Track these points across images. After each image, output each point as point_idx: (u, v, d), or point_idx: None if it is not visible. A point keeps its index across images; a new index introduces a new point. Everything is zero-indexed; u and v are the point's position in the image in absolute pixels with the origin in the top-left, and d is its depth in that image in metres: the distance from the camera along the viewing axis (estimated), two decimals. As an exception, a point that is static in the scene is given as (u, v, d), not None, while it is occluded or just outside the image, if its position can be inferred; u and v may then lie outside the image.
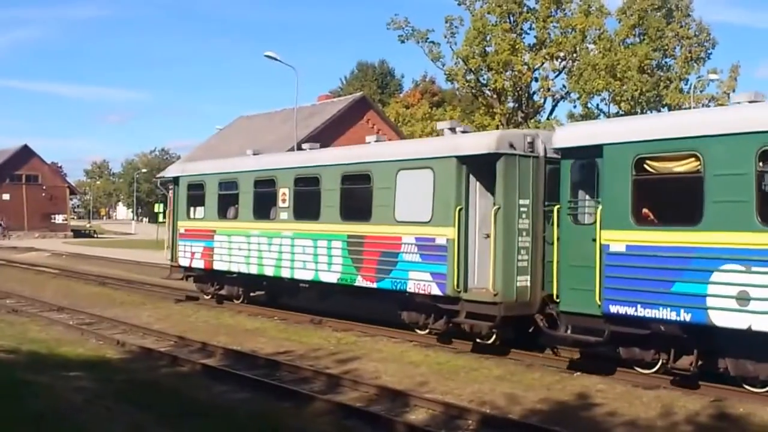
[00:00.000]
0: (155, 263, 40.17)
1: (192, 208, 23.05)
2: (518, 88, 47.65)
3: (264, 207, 19.98)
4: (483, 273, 14.73)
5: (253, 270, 20.14)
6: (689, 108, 42.19)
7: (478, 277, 14.92)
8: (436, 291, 15.00)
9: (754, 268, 10.56)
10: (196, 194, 22.75)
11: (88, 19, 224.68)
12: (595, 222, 12.56)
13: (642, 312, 11.82)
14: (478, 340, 15.05)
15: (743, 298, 10.62)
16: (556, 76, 48.56)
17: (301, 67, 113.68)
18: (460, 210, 14.67)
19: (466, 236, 14.79)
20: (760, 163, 10.74)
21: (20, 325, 18.57)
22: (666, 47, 48.70)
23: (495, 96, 48.49)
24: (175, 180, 23.94)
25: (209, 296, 23.00)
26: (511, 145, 14.15)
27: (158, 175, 62.56)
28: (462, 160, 14.78)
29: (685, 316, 11.29)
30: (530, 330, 14.80)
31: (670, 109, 47.28)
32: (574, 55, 46.64)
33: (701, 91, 49.32)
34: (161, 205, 61.14)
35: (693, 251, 11.26)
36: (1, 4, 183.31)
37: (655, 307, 11.62)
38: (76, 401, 11.17)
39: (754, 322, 10.51)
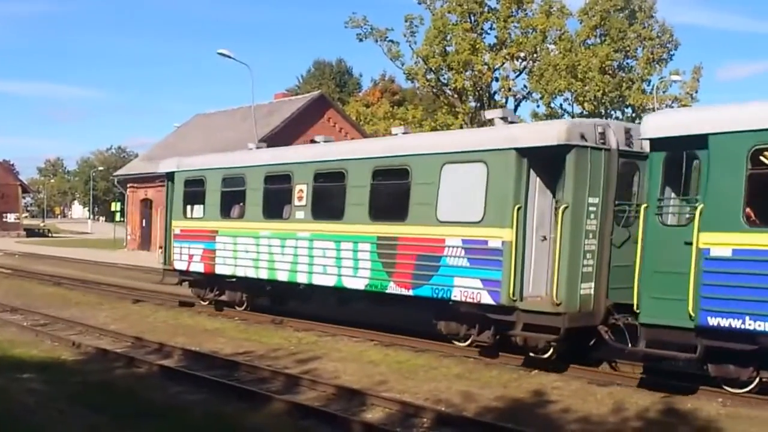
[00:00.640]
0: (112, 263, 39.82)
1: (189, 207, 21.34)
2: (479, 88, 47.87)
3: (276, 205, 18.28)
4: (539, 280, 13.48)
5: (263, 275, 18.39)
6: (653, 109, 42.78)
7: (533, 284, 13.50)
8: (487, 300, 13.42)
9: None
10: (194, 191, 21.00)
11: (40, 14, 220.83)
12: (691, 223, 11.03)
13: (752, 325, 10.27)
14: (531, 354, 13.51)
15: None
16: (517, 76, 48.94)
17: (258, 65, 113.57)
18: (518, 209, 13.07)
19: (523, 239, 13.26)
20: None
21: (-28, 327, 18.26)
22: (628, 48, 49.25)
23: (456, 95, 48.70)
24: (169, 176, 22.01)
25: (207, 302, 21.40)
26: (582, 136, 12.61)
27: (115, 173, 62.03)
28: (522, 152, 13.13)
29: None
30: (591, 343, 13.56)
31: (633, 110, 47.98)
32: (535, 55, 46.94)
33: (664, 92, 50.07)
34: (118, 204, 60.70)
35: None
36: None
37: None
38: (29, 404, 11.04)
39: None
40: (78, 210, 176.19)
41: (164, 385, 12.47)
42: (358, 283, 15.93)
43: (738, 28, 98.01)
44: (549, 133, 12.95)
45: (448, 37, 46.55)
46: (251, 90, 60.14)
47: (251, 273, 18.74)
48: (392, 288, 15.16)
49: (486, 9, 46.87)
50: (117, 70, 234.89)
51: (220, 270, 19.81)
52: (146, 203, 51.96)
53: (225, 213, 19.81)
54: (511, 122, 14.41)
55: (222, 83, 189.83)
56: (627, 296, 11.97)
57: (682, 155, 11.34)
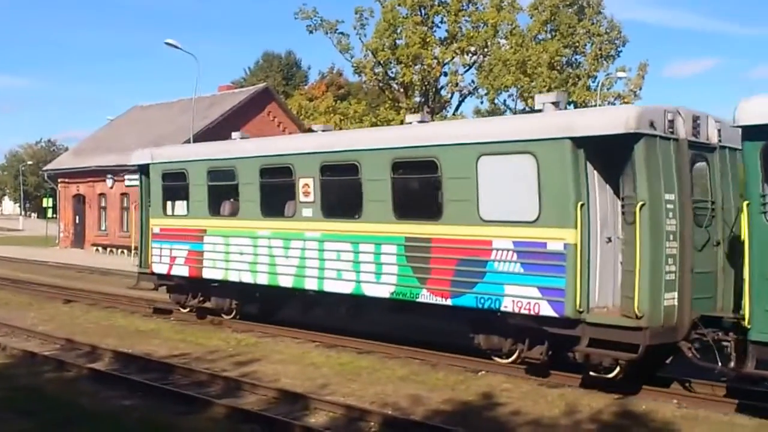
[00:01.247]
0: (43, 261, 38.55)
1: (170, 203, 19.02)
2: (426, 83, 47.72)
3: (276, 201, 16.29)
4: (605, 288, 11.75)
5: (262, 280, 16.30)
6: (595, 106, 43.10)
7: (599, 293, 11.72)
8: (547, 311, 11.65)
9: None
10: (174, 185, 18.76)
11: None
12: None
13: None
14: (592, 373, 11.74)
15: None
16: (466, 71, 48.92)
17: (206, 57, 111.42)
18: (582, 207, 11.40)
19: (588, 240, 11.61)
20: None
21: None
22: (577, 44, 49.60)
23: (402, 90, 48.48)
24: (143, 169, 19.73)
25: (187, 310, 19.32)
26: (652, 124, 11.07)
27: (45, 168, 60.16)
28: (578, 142, 11.49)
29: None
30: (667, 361, 12.05)
31: (576, 106, 48.32)
32: (485, 50, 46.97)
33: (609, 89, 50.50)
34: (50, 200, 58.92)
35: None
36: None
37: None
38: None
39: None
40: (9, 206, 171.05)
41: (95, 389, 11.94)
42: (381, 291, 13.98)
43: (684, 26, 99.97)
44: (615, 121, 11.25)
45: (399, 30, 46.33)
46: (195, 81, 59.65)
47: (247, 278, 16.64)
48: (425, 296, 13.29)
49: (437, 2, 46.75)
50: (46, 59, 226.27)
51: (208, 274, 17.62)
52: (79, 199, 50.65)
53: (214, 210, 17.70)
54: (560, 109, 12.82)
55: (167, 75, 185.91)
56: (708, 307, 11.12)
57: None
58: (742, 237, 10.05)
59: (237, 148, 17.74)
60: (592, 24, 49.76)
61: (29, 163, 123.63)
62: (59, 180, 52.75)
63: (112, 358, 14.24)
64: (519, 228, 12.09)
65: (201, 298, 18.60)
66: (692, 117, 11.61)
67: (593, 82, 50.27)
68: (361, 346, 15.40)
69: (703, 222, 11.51)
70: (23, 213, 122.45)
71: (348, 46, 47.52)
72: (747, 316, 9.83)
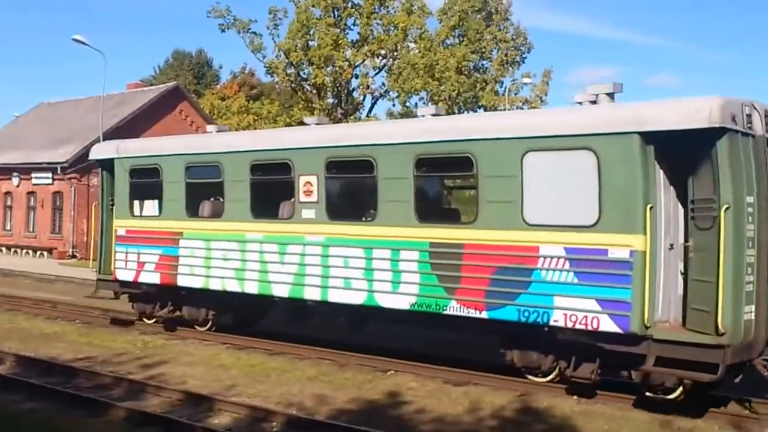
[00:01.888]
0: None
1: (138, 202, 17.25)
2: (338, 84, 47.77)
3: (269, 202, 14.80)
4: (667, 301, 10.66)
5: (251, 288, 14.63)
6: (504, 110, 43.89)
7: (662, 306, 10.61)
8: (608, 326, 10.38)
9: None
10: (145, 183, 16.98)
11: None
12: None
13: None
14: (648, 394, 10.75)
15: None
16: (377, 74, 49.14)
17: (112, 53, 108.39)
18: (651, 209, 10.19)
19: (655, 247, 10.38)
20: None
21: None
22: (484, 49, 50.39)
23: (314, 91, 48.40)
24: (105, 164, 17.91)
25: (153, 321, 17.66)
26: (734, 119, 9.89)
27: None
28: (648, 137, 10.25)
29: None
30: (737, 380, 10.65)
31: (486, 110, 49.07)
32: (395, 53, 47.30)
33: (515, 94, 51.48)
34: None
35: None
36: None
37: None
38: None
39: None
40: None
41: (-6, 393, 11.55)
42: (399, 302, 12.55)
43: (588, 34, 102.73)
44: (695, 114, 9.95)
45: (311, 32, 46.16)
46: (103, 78, 57.78)
47: (232, 286, 14.95)
48: (454, 308, 11.92)
49: (350, 4, 46.79)
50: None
51: (184, 282, 15.85)
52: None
53: (192, 210, 15.96)
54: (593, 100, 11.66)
55: (75, 71, 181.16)
56: None
57: None
58: None
59: (223, 141, 15.94)
60: (499, 30, 50.79)
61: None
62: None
63: (13, 362, 13.79)
64: (573, 233, 10.77)
65: (171, 308, 16.99)
66: (765, 112, 10.52)
67: (501, 87, 51.29)
68: (272, 347, 15.34)
69: None
70: None
71: (260, 46, 47.12)
72: None
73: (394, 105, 50.72)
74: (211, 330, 16.67)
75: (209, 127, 17.82)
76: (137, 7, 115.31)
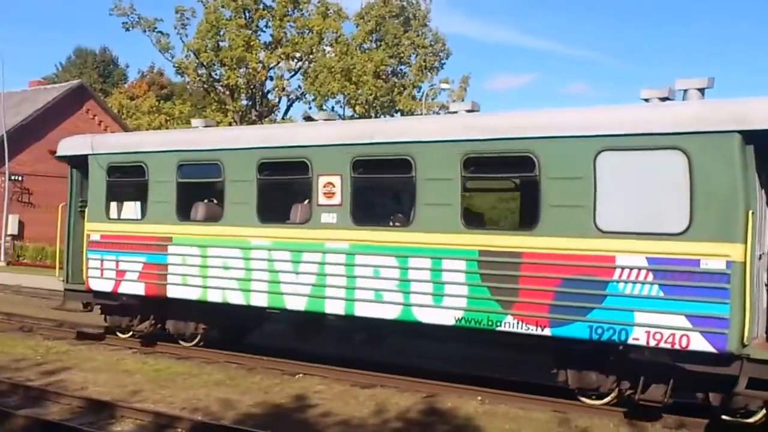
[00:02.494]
0: None
1: (117, 204, 15.68)
2: (252, 86, 47.39)
3: (279, 204, 13.63)
4: (757, 315, 9.79)
5: (259, 301, 13.19)
6: (421, 114, 44.17)
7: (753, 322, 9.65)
8: (700, 345, 9.42)
9: None
10: (125, 182, 15.58)
11: None
12: None
13: None
14: (725, 417, 10.05)
15: None
16: (292, 77, 48.97)
17: (11, 50, 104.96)
18: (752, 215, 9.33)
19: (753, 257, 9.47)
20: None
21: None
22: (402, 54, 50.70)
23: (228, 92, 47.91)
24: (73, 161, 16.14)
25: (129, 335, 16.10)
26: None
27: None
28: (749, 137, 9.35)
29: None
30: None
31: (403, 114, 49.39)
32: (311, 56, 47.19)
33: (433, 99, 51.93)
34: None
35: None
36: None
37: None
38: None
39: None
40: None
41: None
42: (442, 317, 11.31)
43: (506, 41, 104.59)
44: None
45: (222, 32, 45.71)
46: (1, 76, 55.52)
47: (236, 298, 13.44)
48: (510, 324, 10.73)
49: (261, 6, 46.51)
50: None
51: (175, 292, 14.23)
52: None
53: (183, 213, 14.39)
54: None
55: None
56: None
57: None
58: None
59: (224, 136, 14.59)
60: (418, 36, 51.18)
61: None
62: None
63: None
64: (657, 241, 9.76)
65: (153, 321, 15.49)
66: None
67: (418, 92, 51.71)
68: (179, 352, 15.12)
69: None
70: None
71: (168, 46, 46.46)
72: None
73: (310, 108, 50.62)
74: (199, 345, 15.24)
75: (195, 122, 16.40)
76: (36, 3, 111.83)
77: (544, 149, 10.59)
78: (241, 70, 45.98)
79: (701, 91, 10.35)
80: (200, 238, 13.93)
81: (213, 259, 13.69)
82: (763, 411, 9.71)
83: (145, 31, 45.85)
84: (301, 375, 13.28)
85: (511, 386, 11.97)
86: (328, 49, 47.38)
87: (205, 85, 48.83)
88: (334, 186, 12.43)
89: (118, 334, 16.29)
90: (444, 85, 50.30)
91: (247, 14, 46.30)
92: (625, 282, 9.89)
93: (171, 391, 12.03)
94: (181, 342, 15.37)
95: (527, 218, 11.29)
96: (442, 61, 52.46)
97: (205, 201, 14.64)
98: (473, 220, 11.77)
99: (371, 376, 12.92)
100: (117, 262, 15.02)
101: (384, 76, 48.80)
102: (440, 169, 11.39)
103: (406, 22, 50.88)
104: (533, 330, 10.56)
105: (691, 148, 9.57)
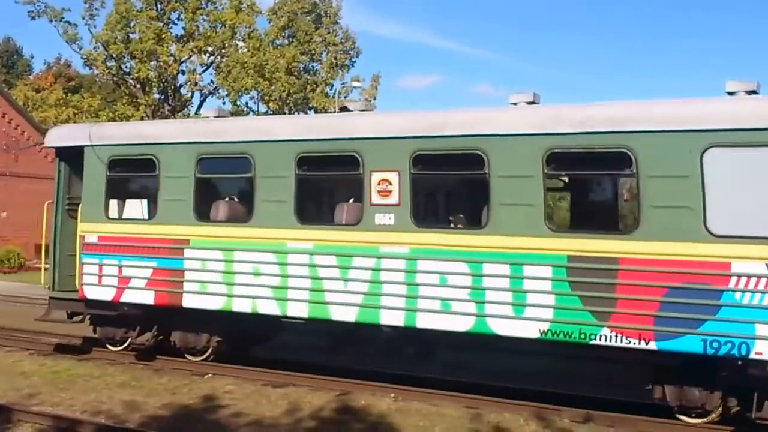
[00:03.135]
0: None
1: (118, 202, 13.89)
2: (164, 80, 46.33)
3: (322, 203, 12.69)
4: None
5: (298, 311, 11.88)
6: (334, 113, 43.94)
7: None
8: None
9: None
10: (131, 177, 14.22)
11: None
12: None
13: None
14: None
15: None
16: (204, 71, 48.07)
17: None
18: None
19: None
20: None
21: None
22: (314, 51, 50.40)
23: (139, 86, 46.71)
24: (64, 153, 14.37)
25: (122, 348, 14.21)
26: None
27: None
28: None
29: None
30: None
31: (316, 112, 49.04)
32: (223, 51, 46.44)
33: (345, 97, 51.68)
34: None
35: None
36: None
37: None
38: None
39: None
40: None
41: None
42: (524, 329, 10.26)
43: (417, 41, 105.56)
44: None
45: (132, 24, 44.46)
46: None
47: (270, 308, 12.04)
48: (607, 337, 9.76)
49: (173, -2, 45.45)
50: None
51: (193, 302, 12.69)
52: None
53: (202, 213, 12.89)
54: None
55: None
56: None
57: None
58: None
59: (255, 126, 13.15)
60: (329, 33, 50.97)
61: None
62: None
63: None
64: None
65: (155, 333, 13.85)
66: None
67: (331, 89, 51.54)
68: (81, 354, 14.54)
69: None
70: None
71: (76, 36, 44.91)
72: None
73: (224, 103, 49.75)
74: (208, 360, 13.61)
75: (205, 112, 15.11)
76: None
77: (642, 145, 9.67)
78: (152, 63, 44.84)
79: (749, 93, 9.77)
80: (225, 241, 12.48)
81: (240, 264, 12.28)
82: None
83: (51, 20, 44.24)
84: (210, 375, 12.93)
85: (422, 383, 11.91)
86: (240, 44, 46.66)
87: (115, 78, 47.44)
88: (390, 183, 11.24)
89: (108, 347, 14.44)
90: (355, 83, 50.24)
91: (158, 6, 45.09)
92: (743, 291, 9.06)
93: (71, 393, 11.59)
94: (188, 356, 13.76)
95: (624, 220, 10.66)
96: (353, 60, 52.37)
97: (227, 199, 13.19)
98: (561, 221, 10.98)
99: (283, 375, 12.66)
100: (120, 267, 13.36)
101: (296, 73, 48.39)
102: (520, 165, 10.35)
103: (317, 19, 50.58)
104: (635, 344, 9.63)
105: None
